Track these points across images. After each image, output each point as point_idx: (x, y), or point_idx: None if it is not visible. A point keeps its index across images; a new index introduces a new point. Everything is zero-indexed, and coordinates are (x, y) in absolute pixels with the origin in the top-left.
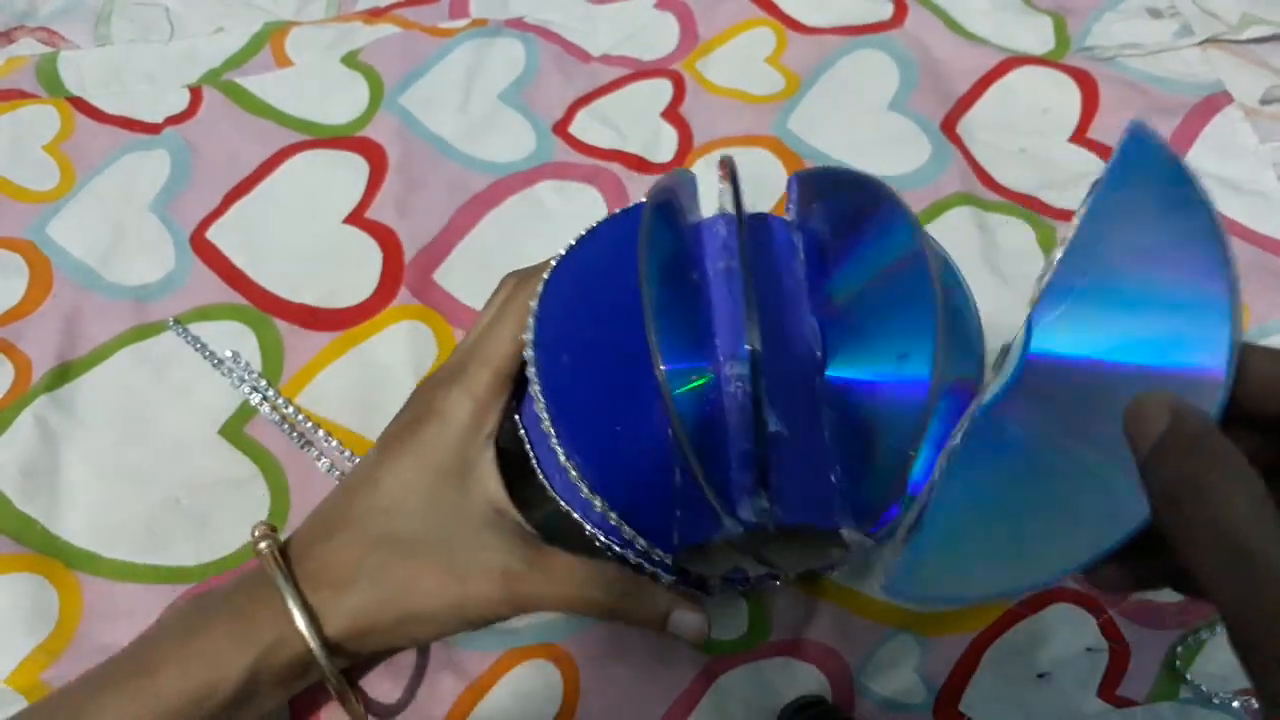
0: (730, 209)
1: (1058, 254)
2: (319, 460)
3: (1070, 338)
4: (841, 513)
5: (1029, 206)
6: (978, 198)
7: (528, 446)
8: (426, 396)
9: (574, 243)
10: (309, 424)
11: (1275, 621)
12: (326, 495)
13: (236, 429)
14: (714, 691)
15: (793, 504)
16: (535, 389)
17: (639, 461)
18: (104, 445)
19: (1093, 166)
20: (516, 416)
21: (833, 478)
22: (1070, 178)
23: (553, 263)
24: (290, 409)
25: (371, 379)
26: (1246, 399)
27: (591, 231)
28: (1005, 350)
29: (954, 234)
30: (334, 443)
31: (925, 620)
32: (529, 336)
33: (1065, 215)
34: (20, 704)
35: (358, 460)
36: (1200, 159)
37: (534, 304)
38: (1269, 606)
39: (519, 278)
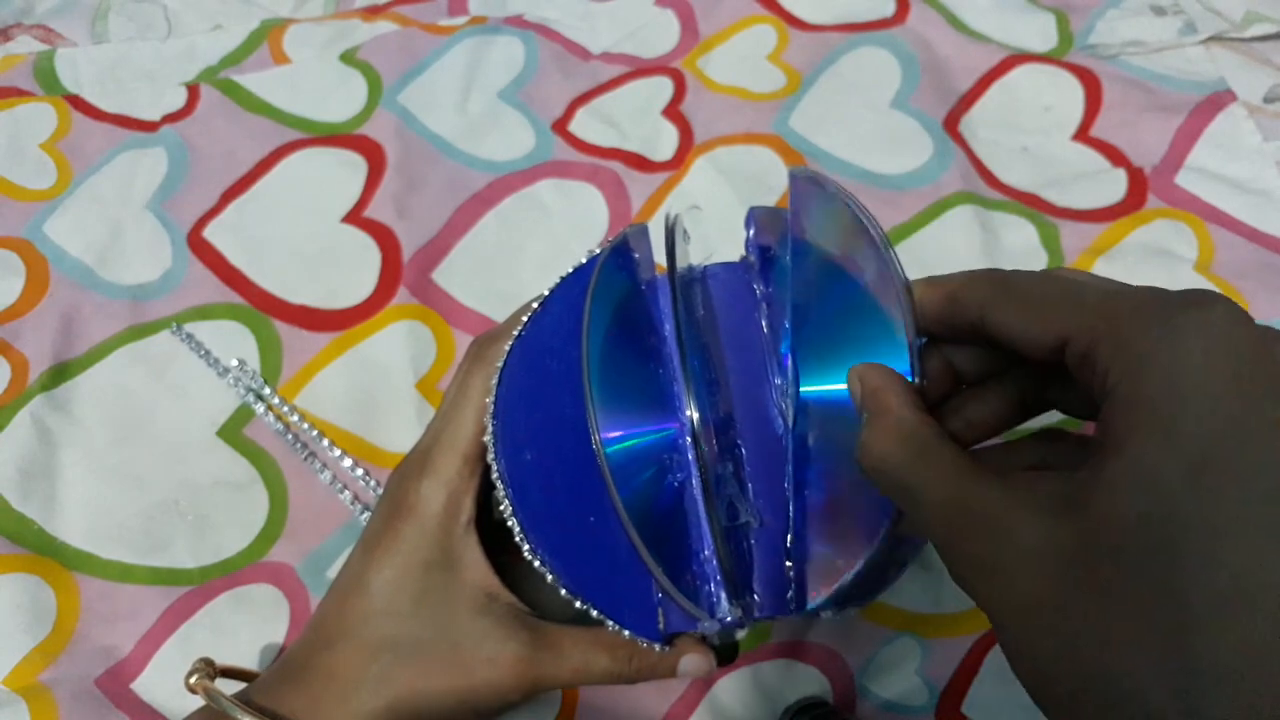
0: (687, 264)
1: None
2: (322, 473)
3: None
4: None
5: (1031, 205)
6: (980, 196)
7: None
8: (400, 491)
9: (529, 316)
10: (313, 432)
11: (941, 536)
12: (320, 601)
13: (235, 430)
14: (714, 694)
15: (771, 601)
16: (500, 494)
17: (616, 559)
18: (101, 446)
19: (1096, 165)
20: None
21: None
22: (1073, 176)
23: (515, 332)
24: (295, 416)
25: (370, 379)
26: (933, 327)
27: (545, 302)
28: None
29: (956, 232)
30: (337, 452)
31: (927, 622)
32: (488, 439)
33: (1068, 214)
34: (18, 704)
35: (359, 471)
36: (1203, 157)
37: (490, 399)
38: (932, 532)
39: (479, 346)
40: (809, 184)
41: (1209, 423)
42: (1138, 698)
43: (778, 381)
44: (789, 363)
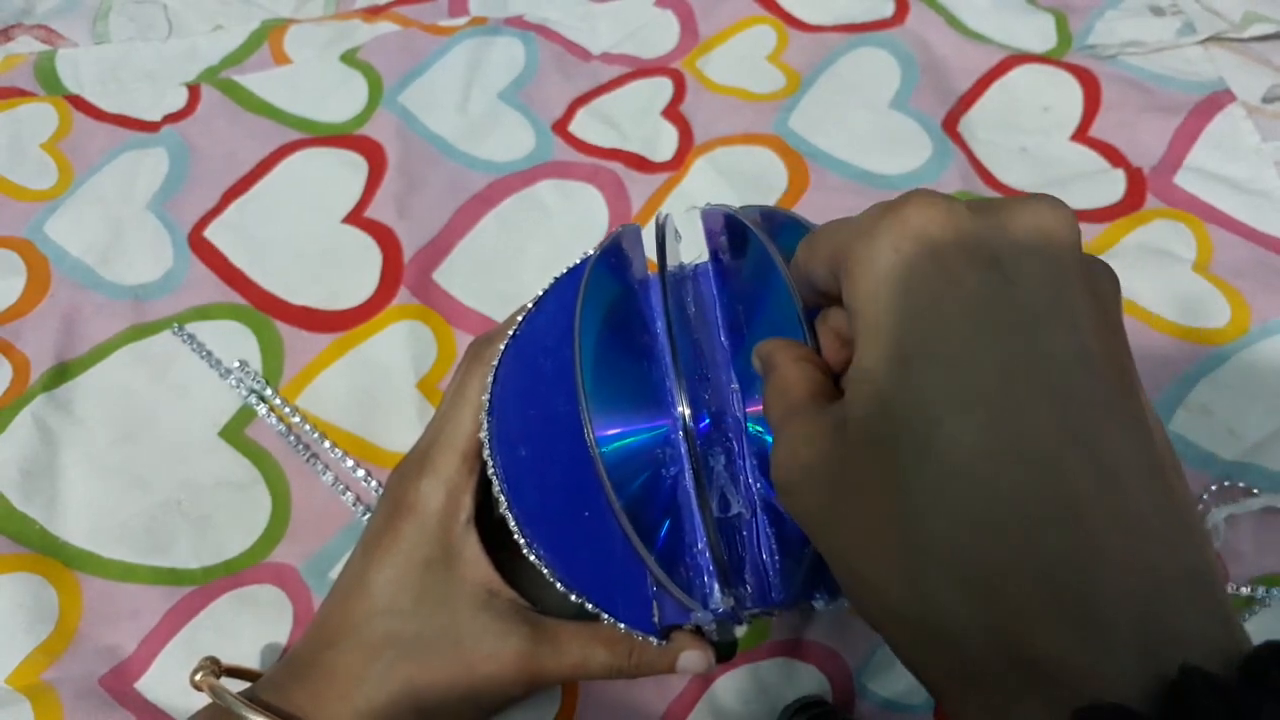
0: (679, 262)
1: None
2: (324, 474)
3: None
4: (815, 586)
5: None
6: (979, 196)
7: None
8: (400, 490)
9: (524, 316)
10: (315, 434)
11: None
12: (324, 600)
13: (237, 431)
14: (713, 693)
15: (762, 592)
16: (496, 490)
17: (610, 553)
18: (103, 445)
19: (1095, 165)
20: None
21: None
22: (1072, 176)
23: (510, 332)
24: (296, 417)
25: (372, 380)
26: (808, 299)
27: (539, 302)
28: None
29: None
30: (339, 453)
31: None
32: (483, 435)
33: None
34: (21, 704)
35: (360, 472)
36: (1202, 157)
37: (486, 396)
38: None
39: (476, 347)
40: (706, 212)
41: (905, 315)
42: (881, 593)
43: (734, 387)
44: (734, 380)
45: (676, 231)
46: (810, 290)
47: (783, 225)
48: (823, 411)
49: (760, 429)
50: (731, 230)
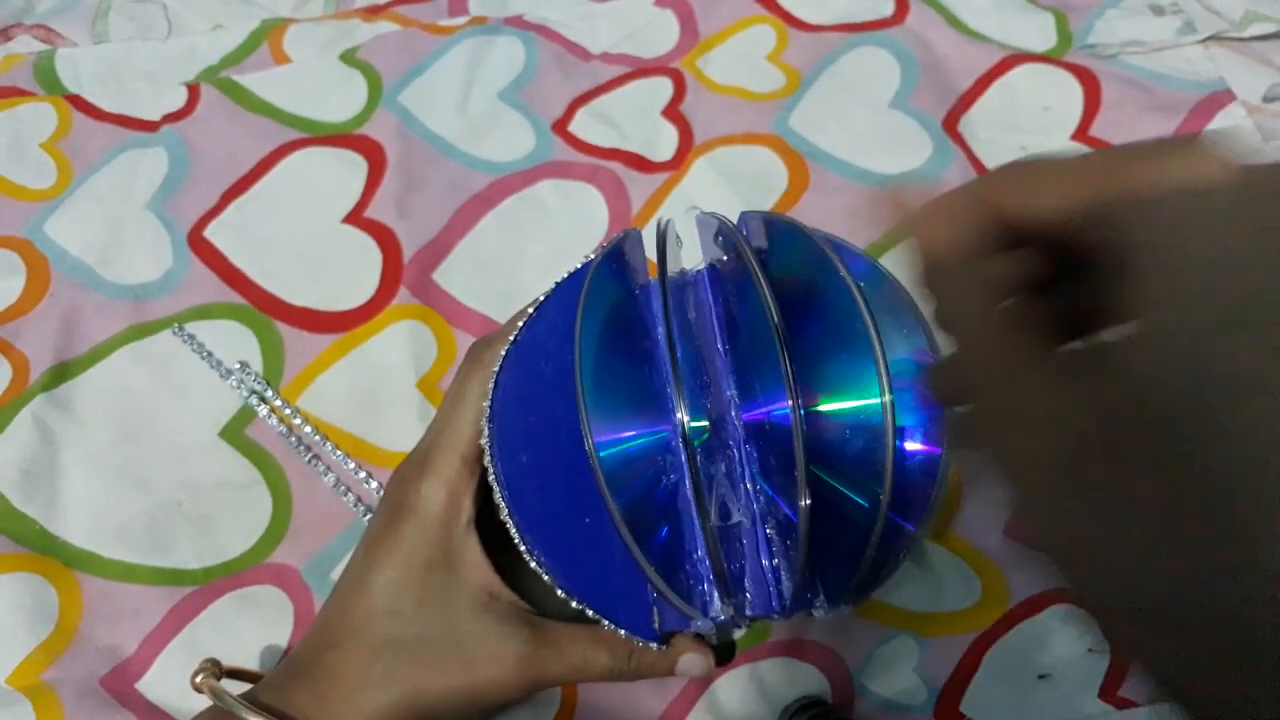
0: (680, 268)
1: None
2: (326, 476)
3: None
4: (814, 594)
5: None
6: None
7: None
8: (401, 493)
9: (524, 322)
10: (316, 435)
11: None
12: (325, 601)
13: (237, 431)
14: (713, 692)
15: (762, 600)
16: (497, 496)
17: (610, 560)
18: (103, 445)
19: None
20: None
21: None
22: None
23: (510, 337)
24: (297, 419)
25: (372, 380)
26: (993, 244)
27: (540, 307)
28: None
29: None
30: (340, 454)
31: (925, 621)
32: (484, 442)
33: None
34: (23, 704)
35: (362, 474)
36: None
37: (486, 403)
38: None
39: (476, 350)
40: (701, 219)
41: (1229, 277)
42: (1144, 575)
43: (729, 394)
44: (730, 384)
45: (678, 237)
46: (996, 232)
47: (782, 232)
48: (1065, 360)
49: (774, 423)
50: (726, 238)
